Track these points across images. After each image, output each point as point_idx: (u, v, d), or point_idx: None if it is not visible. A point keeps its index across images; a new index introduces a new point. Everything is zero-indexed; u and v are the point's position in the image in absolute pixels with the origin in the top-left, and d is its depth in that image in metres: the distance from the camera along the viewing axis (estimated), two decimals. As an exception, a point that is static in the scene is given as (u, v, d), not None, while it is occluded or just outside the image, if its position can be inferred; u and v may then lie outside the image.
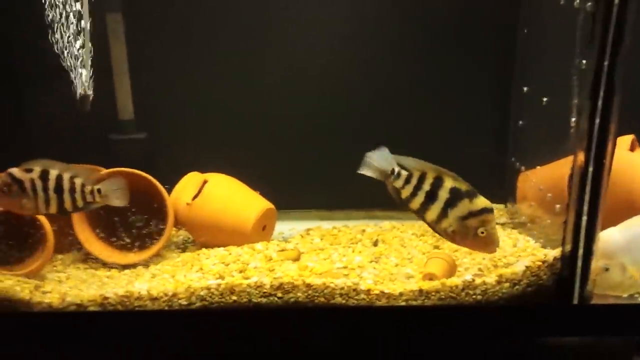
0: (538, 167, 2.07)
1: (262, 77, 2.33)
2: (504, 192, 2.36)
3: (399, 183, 1.73)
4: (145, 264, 1.98)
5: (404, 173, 1.74)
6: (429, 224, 1.73)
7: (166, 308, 1.60)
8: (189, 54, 2.31)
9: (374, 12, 2.31)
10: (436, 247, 2.13)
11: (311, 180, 2.43)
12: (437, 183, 1.70)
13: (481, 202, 1.68)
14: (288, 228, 2.32)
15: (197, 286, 1.61)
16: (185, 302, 1.60)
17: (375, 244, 2.15)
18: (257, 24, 2.29)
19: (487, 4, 2.29)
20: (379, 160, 1.75)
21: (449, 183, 1.69)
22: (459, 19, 2.32)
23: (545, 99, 1.91)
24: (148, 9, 2.24)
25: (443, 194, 1.69)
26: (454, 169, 2.41)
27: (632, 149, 2.07)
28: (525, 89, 2.12)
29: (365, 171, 1.75)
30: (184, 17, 2.27)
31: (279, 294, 1.63)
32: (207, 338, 1.63)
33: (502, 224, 2.26)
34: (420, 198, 1.72)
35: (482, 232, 1.67)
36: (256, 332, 1.63)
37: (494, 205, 2.37)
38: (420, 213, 1.73)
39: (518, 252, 1.91)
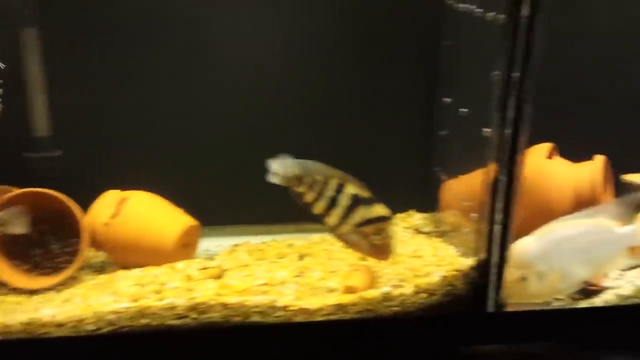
0: (460, 176, 2.10)
1: (183, 90, 2.28)
2: (430, 201, 2.38)
3: (302, 188, 1.74)
4: (58, 288, 1.89)
5: (308, 178, 1.75)
6: (330, 229, 1.76)
7: (73, 334, 1.53)
8: (107, 69, 2.25)
9: (294, 20, 2.30)
10: (362, 259, 2.12)
11: (241, 194, 2.38)
12: (339, 189, 1.73)
13: (378, 210, 1.71)
14: (215, 244, 2.27)
15: (106, 310, 1.55)
16: (93, 327, 1.54)
17: (301, 257, 2.13)
18: (170, 36, 2.24)
19: (414, 15, 2.32)
20: (283, 166, 1.75)
21: (350, 189, 1.72)
22: (388, 30, 2.34)
23: (463, 110, 1.93)
24: (64, 23, 2.17)
25: (344, 200, 1.71)
26: (382, 179, 2.43)
27: (550, 157, 2.11)
28: (446, 99, 2.15)
29: (272, 178, 1.75)
30: (100, 30, 2.20)
31: (194, 315, 1.58)
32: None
33: (427, 233, 2.27)
34: (322, 203, 1.74)
35: (377, 240, 1.71)
36: (170, 355, 1.58)
37: (421, 215, 2.43)
38: (322, 218, 1.75)
39: (438, 261, 1.92)
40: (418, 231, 2.31)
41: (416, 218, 2.39)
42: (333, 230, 1.76)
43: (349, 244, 1.77)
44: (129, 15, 2.18)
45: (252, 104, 2.31)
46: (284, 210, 2.21)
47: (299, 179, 1.73)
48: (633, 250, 1.76)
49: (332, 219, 1.73)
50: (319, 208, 1.74)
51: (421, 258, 2.00)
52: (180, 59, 2.25)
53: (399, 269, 1.94)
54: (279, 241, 2.29)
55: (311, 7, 2.27)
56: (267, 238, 2.31)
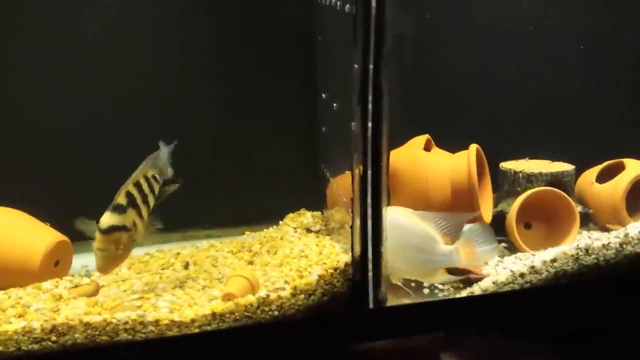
0: (346, 172, 2.08)
1: (45, 98, 2.13)
2: (321, 199, 2.35)
3: None
4: None
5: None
6: None
7: None
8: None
9: (172, 22, 2.21)
10: (250, 262, 2.06)
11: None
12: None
13: (101, 219, 1.71)
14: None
15: (-50, 342, 1.41)
16: (-64, 363, 1.39)
17: (186, 266, 2.04)
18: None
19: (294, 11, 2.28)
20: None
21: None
22: (269, 26, 2.29)
23: (335, 105, 1.91)
24: None
25: None
26: (274, 179, 2.39)
27: (427, 148, 2.14)
28: (323, 95, 2.12)
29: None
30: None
31: (53, 338, 1.46)
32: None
33: (317, 232, 2.24)
34: None
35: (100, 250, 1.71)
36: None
37: (311, 213, 2.40)
38: None
39: (323, 260, 1.88)
40: (308, 230, 2.28)
41: (306, 217, 2.36)
42: None
43: None
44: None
45: (123, 108, 2.20)
46: (169, 218, 2.13)
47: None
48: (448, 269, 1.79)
49: None
50: None
51: (307, 258, 1.96)
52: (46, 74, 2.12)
53: (286, 271, 1.89)
54: (165, 251, 2.19)
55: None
56: (152, 249, 2.20)
